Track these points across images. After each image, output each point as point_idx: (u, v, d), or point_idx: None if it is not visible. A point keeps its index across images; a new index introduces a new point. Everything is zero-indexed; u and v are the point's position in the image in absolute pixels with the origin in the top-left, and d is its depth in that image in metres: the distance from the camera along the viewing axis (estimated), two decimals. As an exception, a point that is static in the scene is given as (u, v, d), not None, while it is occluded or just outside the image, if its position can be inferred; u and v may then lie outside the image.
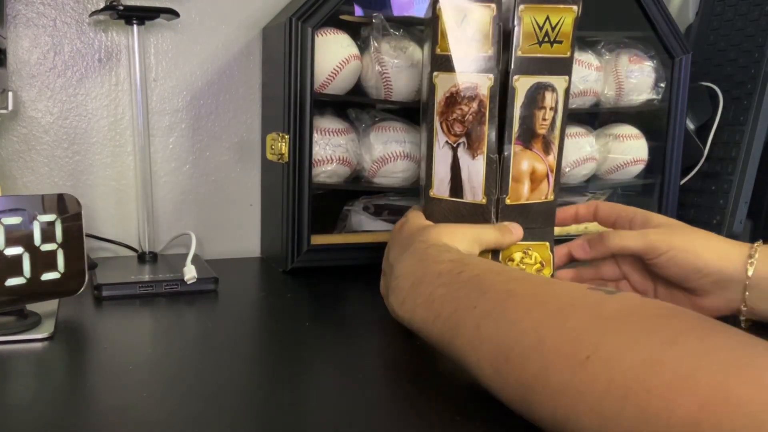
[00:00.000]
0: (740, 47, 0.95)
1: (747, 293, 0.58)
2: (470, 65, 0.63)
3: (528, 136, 0.64)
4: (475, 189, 0.64)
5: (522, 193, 0.65)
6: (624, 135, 0.89)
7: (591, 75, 0.86)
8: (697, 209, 0.94)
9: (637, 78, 0.87)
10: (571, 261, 0.67)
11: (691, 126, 0.95)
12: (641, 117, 0.90)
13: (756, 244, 0.58)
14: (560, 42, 0.63)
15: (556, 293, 0.44)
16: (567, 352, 0.38)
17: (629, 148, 0.89)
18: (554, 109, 0.64)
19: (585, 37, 0.88)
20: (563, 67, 0.64)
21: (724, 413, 0.31)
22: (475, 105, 0.63)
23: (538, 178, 0.65)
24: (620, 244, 0.62)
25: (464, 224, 0.63)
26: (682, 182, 0.93)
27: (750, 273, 0.57)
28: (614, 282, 0.66)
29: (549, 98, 0.64)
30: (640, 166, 0.90)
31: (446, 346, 0.48)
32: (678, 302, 0.60)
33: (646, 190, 0.92)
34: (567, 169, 0.86)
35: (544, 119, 0.64)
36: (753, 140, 0.90)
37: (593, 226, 0.73)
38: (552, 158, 0.65)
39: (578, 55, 0.85)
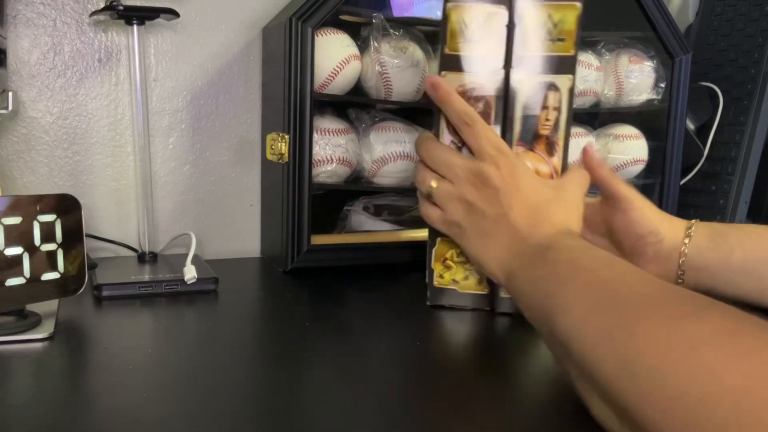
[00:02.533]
0: (740, 47, 0.95)
1: (682, 262, 0.64)
2: (478, 66, 0.63)
3: (530, 137, 0.64)
4: None
5: None
6: (624, 135, 0.89)
7: (591, 75, 0.86)
8: (697, 209, 0.94)
9: (637, 78, 0.87)
10: None
11: (691, 126, 0.95)
12: (641, 117, 0.90)
13: (694, 221, 0.65)
14: (563, 40, 0.63)
15: (699, 303, 0.42)
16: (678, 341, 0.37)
17: (629, 148, 0.89)
18: (558, 110, 0.64)
19: (585, 37, 0.88)
20: (567, 65, 0.63)
21: None
22: (481, 105, 0.63)
23: None
24: (619, 185, 0.66)
25: (576, 190, 0.62)
26: (682, 182, 0.93)
27: (686, 243, 0.64)
28: None
29: (552, 98, 0.64)
30: (640, 166, 0.90)
31: (546, 293, 0.48)
32: None
33: (646, 190, 0.92)
34: (567, 169, 0.86)
35: (547, 120, 0.64)
36: (753, 140, 0.90)
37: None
38: (557, 159, 0.65)
39: (578, 55, 0.85)
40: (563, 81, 0.63)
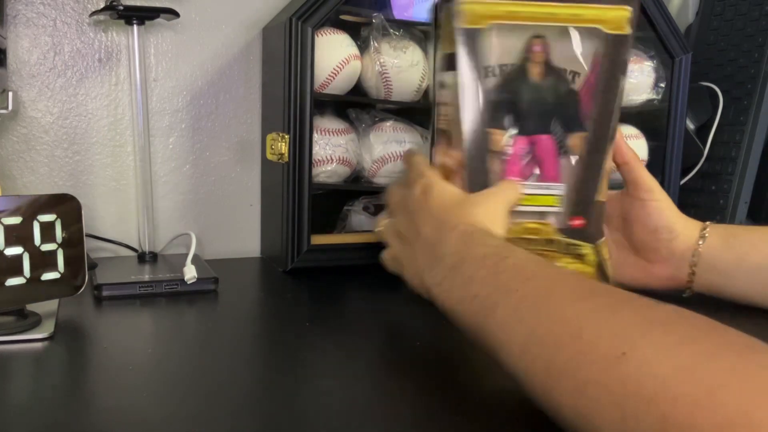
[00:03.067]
0: (740, 47, 0.95)
1: (695, 263, 0.64)
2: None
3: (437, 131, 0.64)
4: None
5: None
6: (624, 135, 0.89)
7: (591, 75, 0.86)
8: (697, 209, 0.94)
9: (637, 78, 0.87)
10: None
11: (691, 126, 0.95)
12: (641, 117, 0.90)
13: (708, 222, 0.65)
14: None
15: (607, 290, 0.43)
16: (604, 346, 0.37)
17: (629, 148, 0.89)
18: (453, 105, 0.62)
19: (585, 37, 0.88)
20: None
21: None
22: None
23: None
24: (642, 172, 0.66)
25: (494, 198, 0.59)
26: (682, 182, 0.93)
27: (701, 244, 0.64)
28: None
29: (442, 94, 0.63)
30: (640, 166, 0.90)
31: (478, 326, 0.47)
32: (627, 267, 0.66)
33: (646, 190, 0.92)
34: (567, 169, 0.86)
35: (445, 115, 0.63)
36: (753, 140, 0.90)
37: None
38: (457, 152, 0.61)
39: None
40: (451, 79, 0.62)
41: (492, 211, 0.57)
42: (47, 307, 0.60)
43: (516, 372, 0.43)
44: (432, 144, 0.65)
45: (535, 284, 0.45)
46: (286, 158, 0.74)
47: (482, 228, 0.54)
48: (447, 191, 0.58)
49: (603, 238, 0.62)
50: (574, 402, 0.38)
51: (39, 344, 0.54)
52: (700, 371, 0.34)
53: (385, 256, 0.62)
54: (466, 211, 0.56)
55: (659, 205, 0.66)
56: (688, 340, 0.36)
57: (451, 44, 0.60)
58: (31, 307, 0.58)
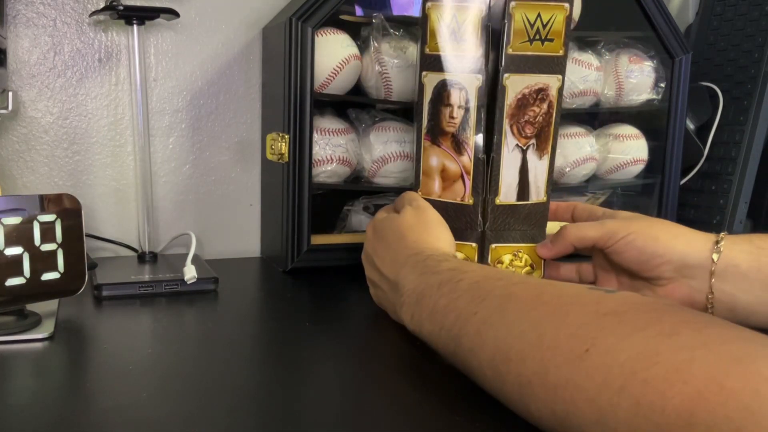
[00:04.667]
0: (740, 47, 0.95)
1: (713, 281, 0.58)
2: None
3: (436, 133, 0.63)
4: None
5: (433, 189, 0.65)
6: (624, 135, 0.89)
7: (591, 75, 0.86)
8: (697, 209, 0.94)
9: (637, 78, 0.87)
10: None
11: (691, 126, 0.95)
12: (641, 117, 0.90)
13: (722, 234, 0.59)
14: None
15: (556, 293, 0.44)
16: (566, 348, 0.38)
17: (629, 148, 0.89)
18: (464, 108, 0.62)
19: (585, 37, 0.88)
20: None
21: (717, 403, 0.31)
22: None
23: (450, 177, 0.64)
24: (578, 235, 0.62)
25: (424, 214, 0.61)
26: (682, 182, 0.93)
27: (715, 259, 0.57)
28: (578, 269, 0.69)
29: (455, 96, 0.62)
30: (640, 166, 0.90)
31: (451, 356, 0.49)
32: (642, 294, 0.60)
33: (646, 190, 0.92)
34: (567, 169, 0.86)
35: (451, 117, 0.63)
36: (753, 140, 0.90)
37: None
38: (467, 159, 0.63)
39: (578, 55, 0.85)
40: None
41: (432, 229, 0.59)
42: (47, 307, 0.60)
43: (494, 392, 0.44)
44: (418, 143, 0.65)
45: (489, 304, 0.46)
46: (286, 158, 0.74)
47: (429, 254, 0.56)
48: (392, 224, 0.61)
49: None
50: (551, 408, 0.38)
51: (39, 344, 0.54)
52: (663, 351, 0.34)
53: (373, 298, 0.65)
54: (410, 240, 0.58)
55: (633, 239, 0.60)
56: (643, 325, 0.36)
57: (435, 45, 0.61)
58: (31, 307, 0.58)
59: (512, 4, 0.61)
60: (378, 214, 0.65)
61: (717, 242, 0.58)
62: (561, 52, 0.63)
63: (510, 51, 0.62)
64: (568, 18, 0.62)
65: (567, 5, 0.62)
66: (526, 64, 0.63)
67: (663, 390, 0.33)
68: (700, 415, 0.31)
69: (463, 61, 0.62)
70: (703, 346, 0.33)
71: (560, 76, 0.63)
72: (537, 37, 0.62)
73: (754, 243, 0.58)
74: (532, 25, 0.62)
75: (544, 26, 0.62)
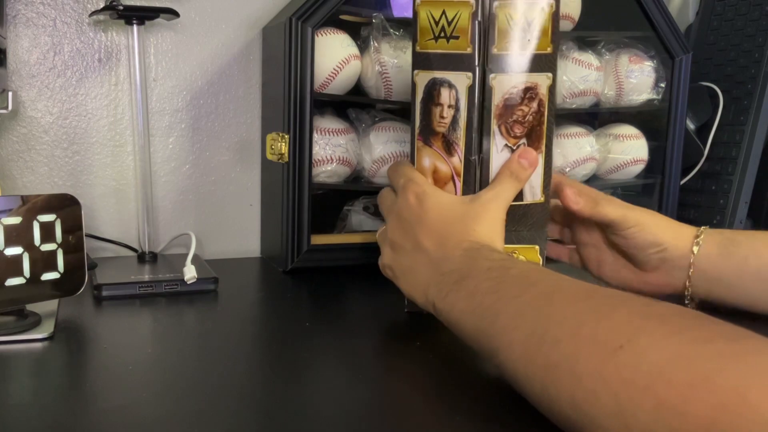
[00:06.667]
0: (740, 47, 0.95)
1: (691, 271, 0.62)
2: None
3: (427, 133, 0.62)
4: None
5: None
6: (624, 135, 0.89)
7: (591, 75, 0.86)
8: (697, 209, 0.94)
9: (637, 78, 0.87)
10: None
11: (691, 126, 0.95)
12: (641, 117, 0.90)
13: (702, 228, 0.63)
14: (456, 37, 0.61)
15: (606, 293, 0.44)
16: (602, 340, 0.38)
17: (629, 148, 0.89)
18: (455, 108, 0.61)
19: (585, 37, 0.88)
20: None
21: (739, 415, 0.31)
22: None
23: (441, 179, 0.62)
24: (603, 211, 0.64)
25: (494, 204, 0.59)
26: (682, 182, 0.93)
27: (695, 251, 0.62)
28: (566, 248, 0.71)
29: (445, 95, 0.61)
30: (640, 166, 0.90)
31: (480, 332, 0.47)
32: (624, 275, 0.66)
33: (646, 190, 0.92)
34: (567, 169, 0.86)
35: (442, 117, 0.62)
36: (753, 140, 0.90)
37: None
38: (457, 160, 0.61)
39: (578, 55, 0.85)
40: (461, 79, 0.60)
41: (492, 224, 0.57)
42: (47, 307, 0.60)
43: (515, 373, 0.43)
44: (412, 144, 0.64)
45: (537, 290, 0.46)
46: (286, 158, 0.74)
47: (485, 244, 0.55)
48: (443, 201, 0.58)
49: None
50: (571, 395, 0.38)
51: (39, 344, 0.54)
52: (694, 357, 0.34)
53: (381, 263, 0.61)
54: (468, 227, 0.56)
55: (635, 230, 0.63)
56: (683, 329, 0.37)
57: (425, 43, 0.60)
58: (31, 307, 0.58)
59: (495, 3, 0.60)
60: (409, 185, 0.60)
61: (697, 236, 0.63)
62: (549, 50, 0.61)
63: (495, 51, 0.60)
64: (555, 14, 0.61)
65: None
66: (514, 63, 0.61)
67: (687, 395, 0.33)
68: (720, 426, 0.31)
69: (452, 58, 0.61)
70: (735, 356, 0.34)
71: (550, 74, 0.62)
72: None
73: (724, 235, 0.63)
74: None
75: (529, 25, 0.60)
